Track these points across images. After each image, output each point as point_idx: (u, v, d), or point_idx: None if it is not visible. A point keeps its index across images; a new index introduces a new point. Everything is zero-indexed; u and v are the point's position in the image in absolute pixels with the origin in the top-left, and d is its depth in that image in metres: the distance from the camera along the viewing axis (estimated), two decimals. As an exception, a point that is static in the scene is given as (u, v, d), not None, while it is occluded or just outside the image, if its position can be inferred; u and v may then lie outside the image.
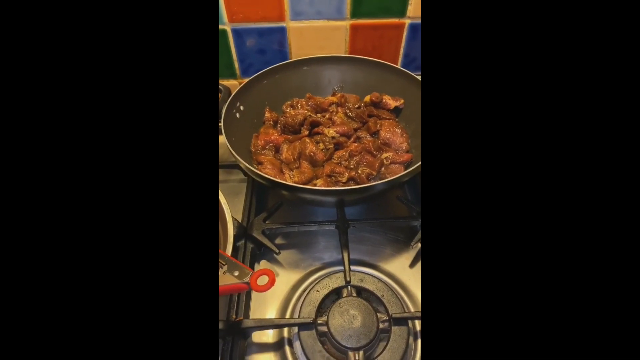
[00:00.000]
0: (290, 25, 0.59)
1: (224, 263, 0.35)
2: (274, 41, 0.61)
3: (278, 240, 0.53)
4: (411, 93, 0.58)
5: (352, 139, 0.57)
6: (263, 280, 0.33)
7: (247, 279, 0.33)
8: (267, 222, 0.50)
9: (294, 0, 0.56)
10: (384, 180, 0.44)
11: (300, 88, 0.63)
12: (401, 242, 0.51)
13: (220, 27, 0.58)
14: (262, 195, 0.58)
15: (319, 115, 0.60)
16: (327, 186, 0.50)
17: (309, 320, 0.41)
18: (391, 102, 0.59)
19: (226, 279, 0.34)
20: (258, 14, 0.57)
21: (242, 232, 0.50)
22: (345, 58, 0.62)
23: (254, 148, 0.56)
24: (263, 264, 0.50)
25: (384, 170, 0.51)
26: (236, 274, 0.34)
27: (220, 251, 0.37)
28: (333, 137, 0.56)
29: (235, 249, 0.48)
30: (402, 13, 0.58)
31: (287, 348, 0.41)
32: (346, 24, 0.59)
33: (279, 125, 0.60)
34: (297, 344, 0.41)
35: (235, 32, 0.60)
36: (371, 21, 0.59)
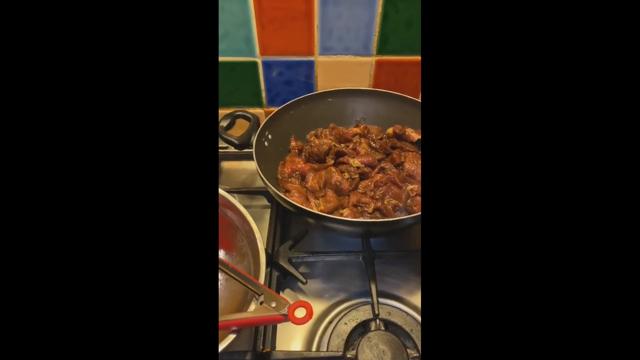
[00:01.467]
0: (319, 59, 0.62)
1: (259, 293, 0.36)
2: (301, 73, 0.64)
3: (302, 269, 0.53)
4: (433, 127, 0.60)
5: (376, 170, 0.58)
6: (301, 312, 0.33)
7: (284, 311, 0.34)
8: (292, 250, 0.51)
9: (324, 36, 0.59)
10: (413, 215, 0.44)
11: (325, 119, 0.65)
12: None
13: (251, 59, 0.61)
14: (286, 223, 0.59)
15: (342, 145, 0.62)
16: (354, 216, 0.51)
17: (338, 354, 0.40)
18: (414, 135, 0.61)
19: (263, 309, 0.34)
20: (289, 48, 0.60)
21: (268, 259, 0.50)
22: (369, 91, 0.64)
23: (280, 175, 0.57)
24: (287, 293, 0.50)
25: (410, 202, 0.52)
26: (273, 305, 0.34)
27: (256, 281, 0.37)
28: (358, 167, 0.57)
29: (260, 276, 0.48)
30: (425, 51, 0.61)
31: (314, 382, 0.41)
32: (372, 59, 0.62)
33: (303, 154, 0.61)
34: (325, 379, 0.40)
35: (265, 64, 0.62)
36: (395, 58, 0.62)
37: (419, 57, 0.62)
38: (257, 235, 0.42)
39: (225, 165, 0.70)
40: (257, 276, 0.39)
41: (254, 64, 0.62)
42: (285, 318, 0.33)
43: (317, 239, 0.56)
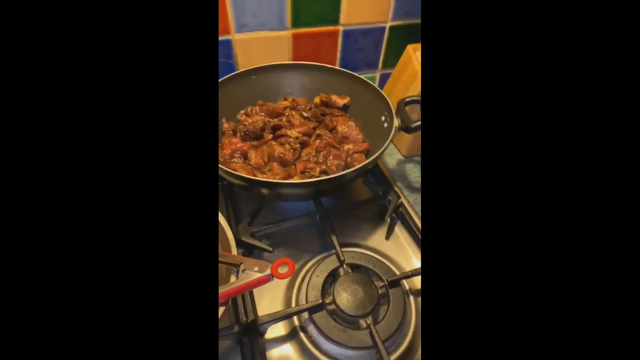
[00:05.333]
0: (236, 37, 0.61)
1: (239, 263, 0.37)
2: (222, 54, 0.63)
3: (264, 242, 0.55)
4: (354, 90, 0.66)
5: (313, 137, 0.61)
6: (284, 268, 0.36)
7: (268, 271, 0.36)
8: (252, 225, 0.52)
9: (238, 13, 0.59)
10: (354, 168, 0.49)
11: (252, 96, 0.66)
12: (374, 220, 0.58)
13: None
14: (236, 205, 0.59)
15: (276, 119, 0.63)
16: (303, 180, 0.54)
17: (318, 302, 0.44)
18: (339, 101, 0.66)
19: (247, 275, 0.36)
20: (202, 28, 0.58)
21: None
22: (290, 65, 0.67)
23: (221, 158, 0.57)
24: (255, 267, 0.52)
25: (350, 160, 0.57)
26: (256, 269, 0.36)
27: (231, 254, 0.38)
28: (297, 137, 0.60)
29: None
30: (335, 21, 0.65)
31: (301, 335, 0.44)
32: (288, 33, 0.64)
33: (238, 134, 0.62)
34: (311, 327, 0.44)
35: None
36: (310, 29, 0.65)
37: (332, 27, 0.66)
38: (220, 215, 0.43)
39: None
40: (230, 249, 0.40)
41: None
42: (271, 277, 0.36)
43: (272, 213, 0.58)
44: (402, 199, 0.59)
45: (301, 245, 0.54)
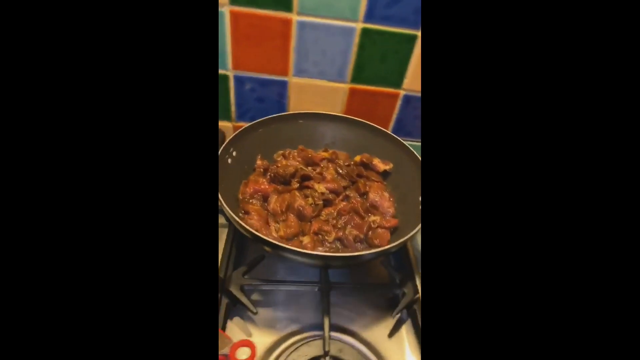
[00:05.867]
0: (293, 80, 0.61)
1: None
2: (274, 92, 0.63)
3: (255, 296, 0.50)
4: (400, 159, 0.61)
5: (340, 198, 0.57)
6: (244, 353, 0.31)
7: (226, 350, 0.31)
8: (246, 276, 0.48)
9: (300, 58, 0.58)
10: (373, 251, 0.44)
11: (294, 140, 0.64)
12: (383, 309, 0.50)
13: (222, 72, 0.59)
14: (243, 245, 0.56)
15: (309, 168, 0.61)
16: (314, 244, 0.49)
17: (282, 394, 0.38)
18: (380, 165, 0.61)
19: (203, 347, 0.31)
20: (263, 66, 0.59)
21: (220, 285, 0.47)
22: (340, 117, 0.64)
23: (241, 196, 0.55)
24: (236, 322, 0.47)
25: (371, 234, 0.52)
26: (215, 342, 0.32)
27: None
28: (323, 193, 0.56)
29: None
30: (398, 84, 0.62)
31: None
32: (346, 87, 0.62)
33: (268, 174, 0.60)
34: (266, 421, 0.38)
35: (237, 79, 0.61)
36: (369, 87, 0.62)
37: (391, 90, 0.63)
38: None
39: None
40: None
41: (225, 77, 0.60)
42: (226, 358, 0.31)
43: (274, 265, 0.54)
44: (420, 296, 0.50)
45: (293, 312, 0.48)
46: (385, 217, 0.55)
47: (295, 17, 0.54)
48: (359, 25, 0.55)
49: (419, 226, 0.45)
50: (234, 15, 0.53)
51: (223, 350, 0.31)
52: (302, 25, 0.55)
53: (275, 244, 0.44)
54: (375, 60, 0.59)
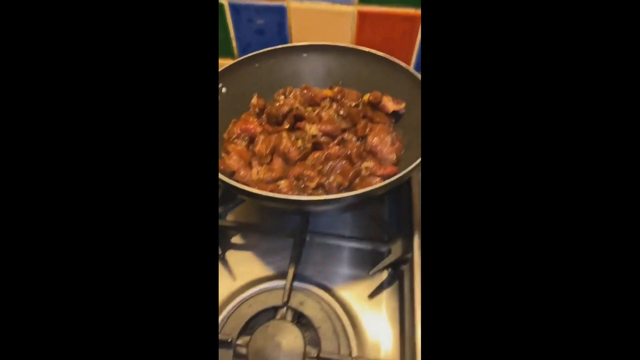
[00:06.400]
0: (291, 5, 0.53)
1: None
2: (274, 22, 0.56)
3: (236, 239, 0.48)
4: (417, 99, 0.50)
5: (335, 141, 0.50)
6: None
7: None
8: (226, 217, 0.46)
9: (296, -24, 0.50)
10: (351, 193, 0.37)
11: (297, 77, 0.57)
12: (363, 267, 0.44)
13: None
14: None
15: (308, 108, 0.54)
16: (292, 190, 0.44)
17: (228, 338, 0.36)
18: (390, 105, 0.52)
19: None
20: (257, -12, 0.52)
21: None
22: (350, 49, 0.55)
23: (227, 135, 0.52)
24: (212, 262, 0.46)
25: (358, 182, 0.45)
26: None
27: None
28: (314, 136, 0.49)
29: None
30: (418, 3, 0.50)
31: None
32: (353, 9, 0.52)
33: (264, 115, 0.55)
34: (212, 361, 0.37)
35: (233, 7, 0.55)
36: (382, 9, 0.51)
37: (410, 10, 0.51)
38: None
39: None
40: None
41: (221, 7, 0.55)
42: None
43: (259, 209, 0.51)
44: (416, 256, 0.43)
45: (266, 260, 0.46)
46: (383, 164, 0.47)
47: None
48: None
49: (413, 165, 0.37)
50: None
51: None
52: None
53: (239, 189, 0.40)
54: (387, -29, 0.47)
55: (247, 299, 0.40)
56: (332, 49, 0.56)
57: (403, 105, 0.52)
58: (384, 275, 0.43)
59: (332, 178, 0.45)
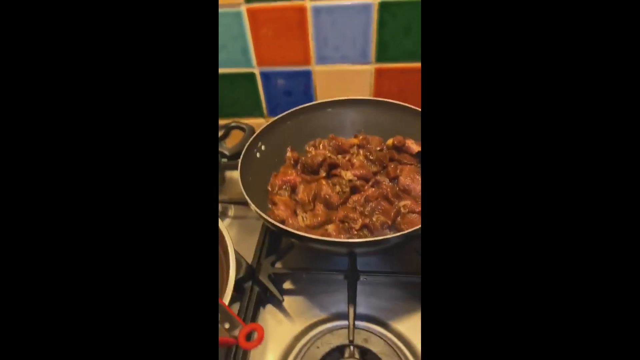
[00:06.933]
0: (316, 69, 0.61)
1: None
2: (301, 84, 0.63)
3: (287, 285, 0.51)
4: (436, 138, 0.56)
5: (370, 184, 0.55)
6: (252, 336, 0.32)
7: (236, 333, 0.32)
8: (275, 265, 0.49)
9: (319, 45, 0.57)
10: (398, 234, 0.41)
11: (324, 129, 0.63)
12: (416, 300, 0.47)
13: (249, 70, 0.61)
14: (277, 235, 0.57)
15: (339, 156, 0.59)
16: (339, 232, 0.48)
17: (304, 380, 0.38)
18: (414, 147, 0.57)
19: (216, 329, 0.33)
20: (286, 58, 0.60)
21: (251, 274, 0.49)
22: (369, 100, 0.62)
23: (271, 188, 0.56)
24: (269, 309, 0.49)
25: (400, 220, 0.49)
26: (227, 326, 0.33)
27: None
28: (350, 180, 0.54)
29: (242, 290, 0.47)
30: (428, 58, 0.57)
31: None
32: (371, 67, 0.60)
33: (299, 165, 0.60)
34: (290, 406, 0.38)
35: (264, 74, 0.62)
36: (396, 65, 0.59)
37: (419, 64, 0.58)
38: (230, 249, 0.42)
39: (228, 175, 0.70)
40: (221, 291, 0.38)
41: (252, 74, 0.62)
42: (236, 341, 0.32)
43: (306, 254, 0.54)
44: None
45: (322, 301, 0.48)
46: (418, 201, 0.51)
47: (309, 3, 0.53)
48: (375, 0, 0.52)
49: None
50: (251, 13, 0.55)
51: (234, 333, 0.32)
52: (316, 11, 0.54)
53: (296, 234, 0.44)
54: (399, 35, 0.55)
55: (313, 341, 0.42)
56: (353, 102, 0.62)
57: (426, 146, 0.57)
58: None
59: (374, 218, 0.49)
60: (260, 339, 0.31)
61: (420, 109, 0.58)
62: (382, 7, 0.52)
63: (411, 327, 0.44)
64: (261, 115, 0.68)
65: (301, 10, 0.54)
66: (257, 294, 0.48)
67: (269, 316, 0.48)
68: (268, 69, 0.61)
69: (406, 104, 0.59)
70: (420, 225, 0.41)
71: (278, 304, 0.49)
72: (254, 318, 0.46)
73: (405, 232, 0.41)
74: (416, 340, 0.43)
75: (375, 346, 0.41)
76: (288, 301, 0.49)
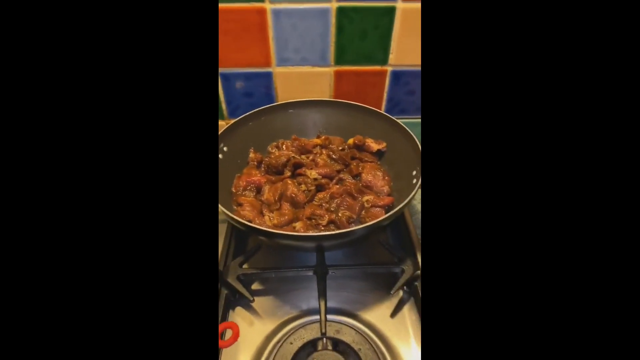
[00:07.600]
0: (277, 70, 0.61)
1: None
2: (262, 85, 0.63)
3: (255, 286, 0.51)
4: (393, 137, 0.59)
5: (334, 181, 0.56)
6: (227, 334, 0.31)
7: (209, 333, 0.32)
8: (243, 266, 0.49)
9: (280, 47, 0.58)
10: (363, 225, 0.43)
11: (286, 130, 0.64)
12: (383, 290, 0.49)
13: (208, 71, 0.60)
14: (243, 237, 0.57)
15: (302, 156, 0.60)
16: (307, 229, 0.49)
17: (279, 376, 0.38)
18: (374, 145, 0.60)
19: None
20: (246, 60, 0.60)
21: (218, 277, 0.48)
22: (329, 102, 0.64)
23: (235, 189, 0.56)
24: (238, 311, 0.48)
25: (365, 214, 0.51)
26: (199, 326, 0.32)
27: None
28: (315, 179, 0.55)
29: (209, 294, 0.46)
30: (384, 61, 0.61)
31: (255, 408, 0.38)
32: (330, 70, 0.62)
33: (262, 166, 0.60)
34: (266, 404, 0.38)
35: (224, 76, 0.61)
36: (354, 68, 0.61)
37: (377, 67, 0.61)
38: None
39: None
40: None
41: (211, 76, 0.61)
42: (210, 341, 0.31)
43: (273, 254, 0.54)
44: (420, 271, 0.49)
45: (291, 299, 0.49)
46: (380, 196, 0.54)
47: (269, 6, 0.54)
48: (333, 5, 0.54)
49: (406, 200, 0.44)
50: (209, 13, 0.54)
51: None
52: (276, 13, 0.54)
53: (265, 231, 0.44)
54: (356, 39, 0.58)
55: (286, 337, 0.42)
56: (314, 103, 0.64)
57: (384, 144, 0.60)
58: (400, 294, 0.48)
59: (340, 213, 0.51)
60: (236, 336, 0.31)
61: (377, 109, 0.61)
62: (340, 11, 0.54)
63: (381, 316, 0.46)
64: (221, 117, 0.67)
65: (261, 12, 0.54)
66: (225, 296, 0.47)
67: (239, 318, 0.47)
68: (227, 70, 0.61)
69: (364, 105, 0.62)
70: (382, 217, 0.44)
71: (248, 305, 0.48)
72: (223, 321, 0.45)
73: (369, 224, 0.43)
74: (385, 329, 0.45)
75: (347, 336, 0.42)
76: (258, 301, 0.48)
